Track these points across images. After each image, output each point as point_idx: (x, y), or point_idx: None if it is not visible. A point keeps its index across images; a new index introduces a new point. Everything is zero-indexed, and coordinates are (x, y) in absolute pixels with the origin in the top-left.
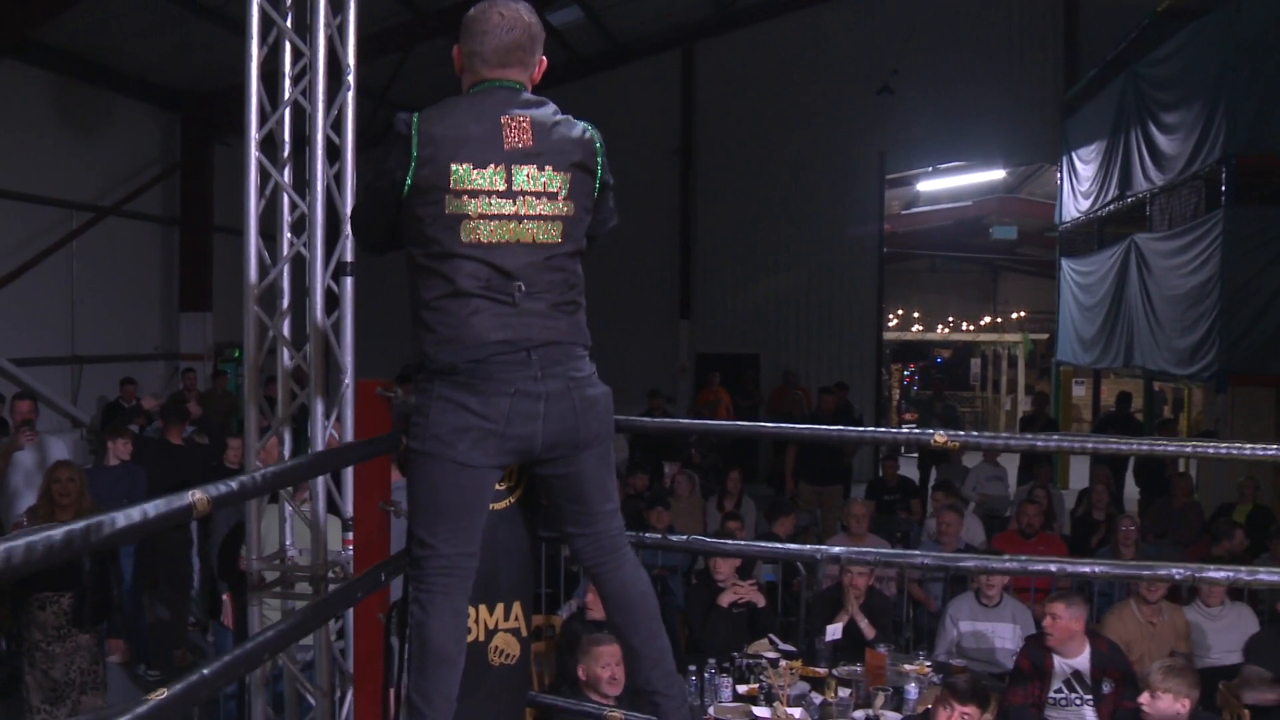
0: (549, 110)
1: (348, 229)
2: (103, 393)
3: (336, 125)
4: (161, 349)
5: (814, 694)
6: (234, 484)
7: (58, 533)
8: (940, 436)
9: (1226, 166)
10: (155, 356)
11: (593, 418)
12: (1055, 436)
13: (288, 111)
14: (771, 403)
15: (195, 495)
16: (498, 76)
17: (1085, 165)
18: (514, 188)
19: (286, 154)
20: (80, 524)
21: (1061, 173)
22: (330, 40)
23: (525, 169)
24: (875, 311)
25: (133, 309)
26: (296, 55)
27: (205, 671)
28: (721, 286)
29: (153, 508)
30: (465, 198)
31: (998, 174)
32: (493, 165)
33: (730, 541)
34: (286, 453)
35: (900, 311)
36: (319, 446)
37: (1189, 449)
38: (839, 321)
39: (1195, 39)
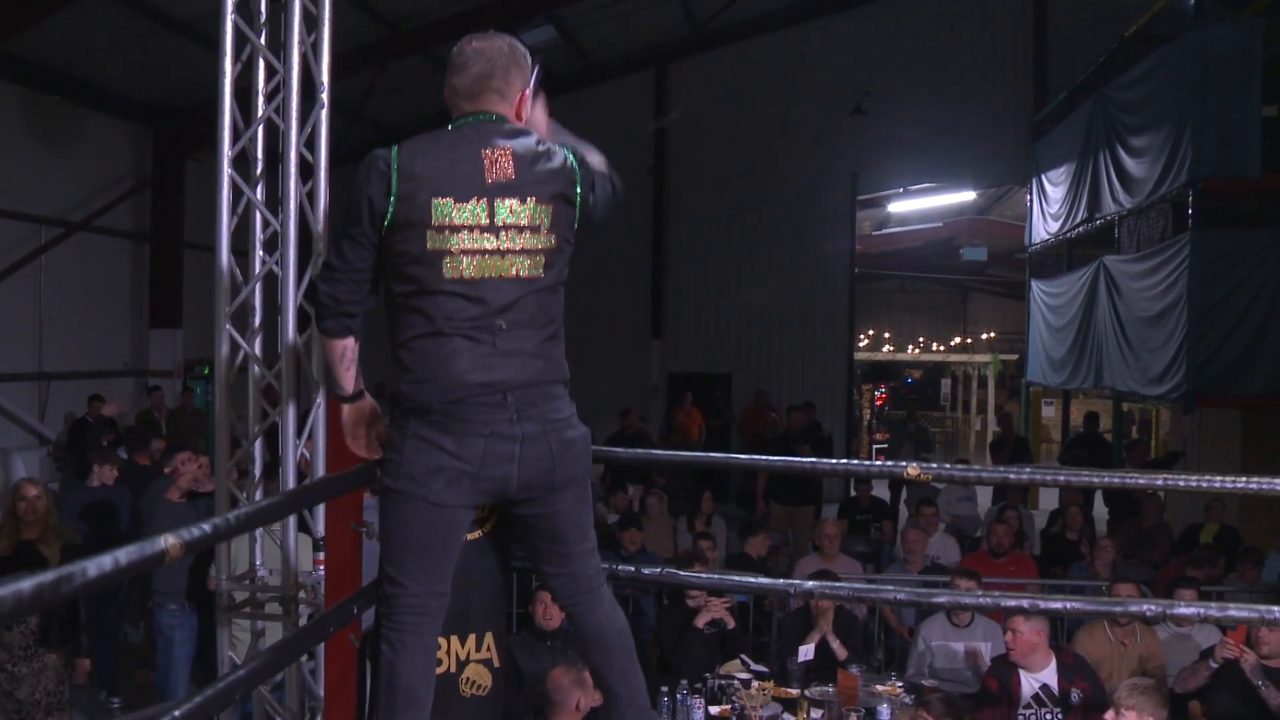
0: (530, 141)
1: (318, 263)
2: (70, 409)
3: (310, 143)
4: (131, 365)
5: (786, 715)
6: (207, 527)
7: (26, 585)
8: (913, 469)
9: (1193, 190)
10: (124, 373)
11: (570, 460)
12: (1028, 469)
13: (261, 129)
14: (743, 422)
15: (169, 541)
16: (474, 110)
17: (1055, 187)
18: (496, 222)
19: (259, 171)
20: (50, 575)
21: (1031, 195)
22: (304, 57)
23: (508, 202)
24: (846, 332)
25: (102, 325)
26: (270, 72)
27: (176, 714)
28: (693, 306)
29: (124, 555)
30: (447, 233)
31: (968, 196)
32: (475, 199)
33: (703, 575)
34: (257, 472)
35: (871, 332)
36: (290, 466)
37: (1159, 481)
38: (810, 341)
39: (1163, 64)
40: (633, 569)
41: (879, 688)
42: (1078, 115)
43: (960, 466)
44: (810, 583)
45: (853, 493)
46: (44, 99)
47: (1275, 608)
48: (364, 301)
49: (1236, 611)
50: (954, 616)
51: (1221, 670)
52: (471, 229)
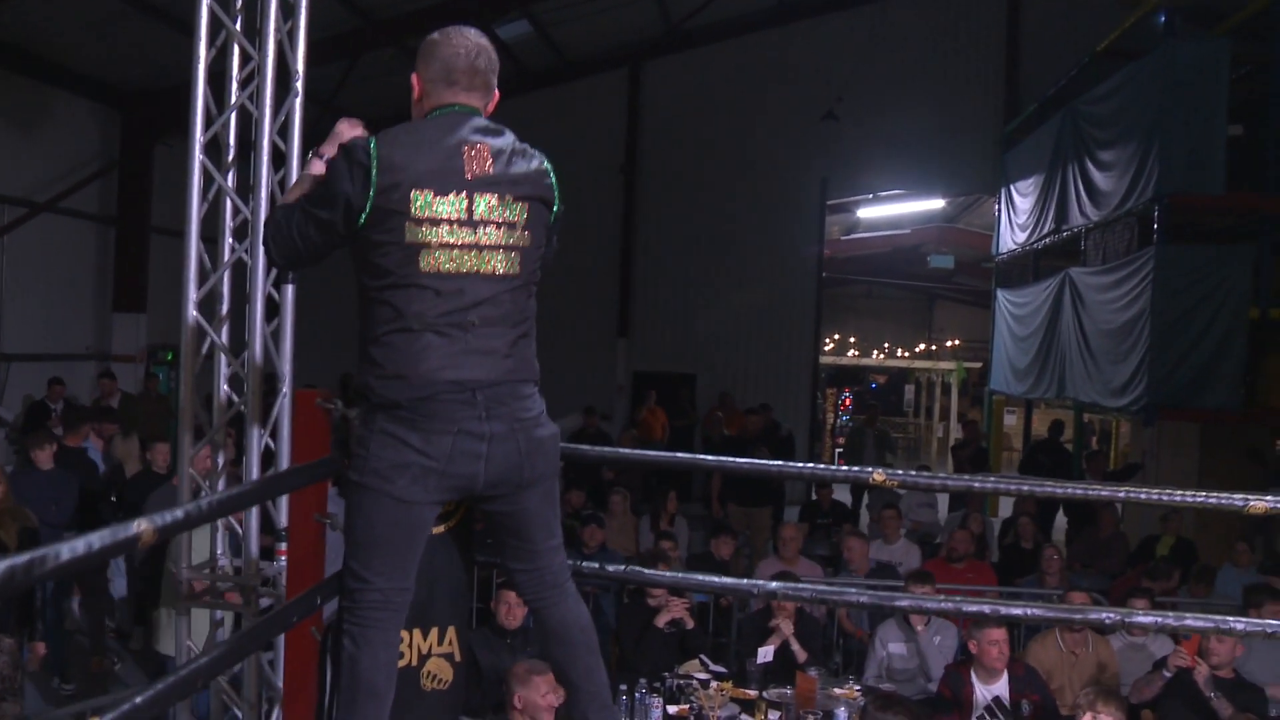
0: (508, 139)
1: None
2: (30, 391)
3: (283, 131)
4: (93, 349)
5: (744, 716)
6: (180, 513)
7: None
8: (879, 475)
9: (1160, 205)
10: (87, 356)
11: (539, 458)
12: (993, 478)
13: (234, 115)
14: (707, 423)
15: (141, 526)
16: (459, 101)
17: (1023, 198)
18: (475, 217)
19: (231, 158)
20: (23, 558)
21: (1000, 205)
22: (280, 45)
23: (486, 198)
24: (813, 335)
25: (64, 308)
26: (245, 59)
27: (138, 700)
28: (660, 306)
29: (98, 539)
30: (426, 226)
31: (937, 203)
32: (454, 193)
33: (667, 574)
34: (220, 461)
35: (836, 336)
36: (254, 456)
37: (1122, 494)
38: (776, 344)
39: (1132, 80)
40: (597, 565)
41: (837, 691)
42: (1048, 127)
43: (925, 473)
44: (775, 583)
45: (814, 496)
46: (12, 78)
47: (1230, 617)
48: (308, 255)
49: (1194, 621)
50: (911, 620)
51: (1174, 680)
52: (451, 222)
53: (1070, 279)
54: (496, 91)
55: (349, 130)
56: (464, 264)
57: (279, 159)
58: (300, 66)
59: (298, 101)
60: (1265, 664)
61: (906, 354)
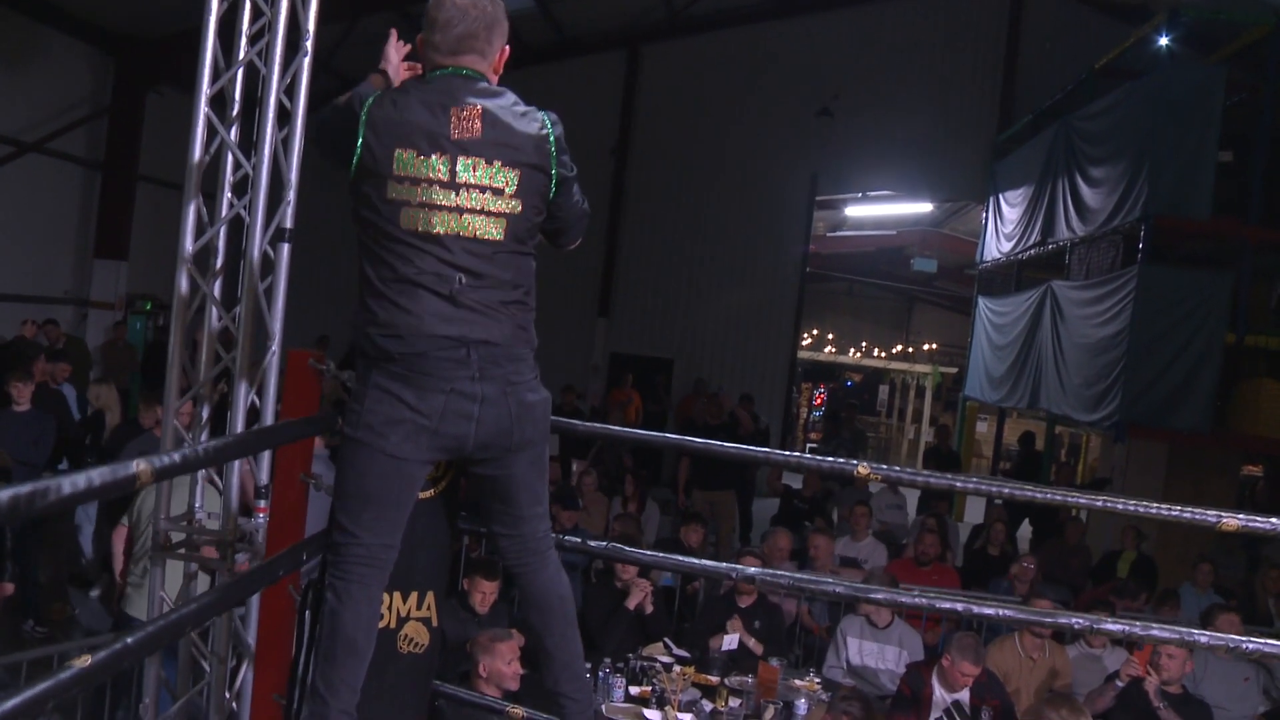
0: (506, 101)
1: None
2: (3, 332)
3: (290, 90)
4: (71, 294)
5: (705, 701)
6: (177, 457)
7: (3, 495)
8: (864, 468)
9: (1145, 225)
10: (64, 301)
11: (528, 423)
12: (974, 479)
13: (240, 71)
14: (680, 410)
15: (140, 466)
16: (452, 64)
17: (1011, 208)
18: (457, 179)
19: (235, 113)
20: (25, 488)
21: (987, 213)
22: (292, 3)
23: (470, 161)
24: (792, 329)
25: (45, 250)
26: (255, 14)
27: (129, 640)
28: (642, 289)
29: (98, 475)
30: (407, 184)
31: (924, 207)
32: (436, 154)
33: (645, 553)
34: (204, 414)
35: (815, 332)
36: (240, 412)
37: (1099, 502)
38: (755, 335)
39: (1127, 99)
40: (579, 540)
41: (797, 682)
42: (1041, 139)
43: (908, 470)
44: (752, 568)
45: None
46: (8, 15)
47: (1194, 630)
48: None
49: (1159, 631)
50: (874, 618)
51: (1126, 691)
52: (431, 183)
53: (1052, 291)
54: (505, 47)
55: (394, 53)
56: (445, 225)
57: (283, 118)
58: (311, 26)
59: (306, 61)
60: (1218, 687)
61: (883, 354)
